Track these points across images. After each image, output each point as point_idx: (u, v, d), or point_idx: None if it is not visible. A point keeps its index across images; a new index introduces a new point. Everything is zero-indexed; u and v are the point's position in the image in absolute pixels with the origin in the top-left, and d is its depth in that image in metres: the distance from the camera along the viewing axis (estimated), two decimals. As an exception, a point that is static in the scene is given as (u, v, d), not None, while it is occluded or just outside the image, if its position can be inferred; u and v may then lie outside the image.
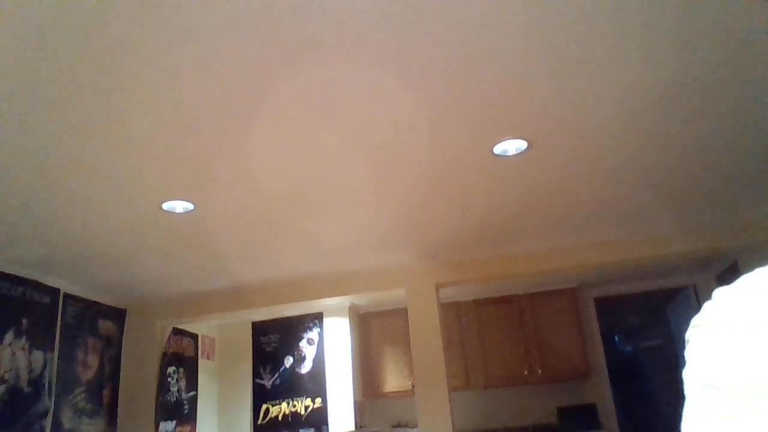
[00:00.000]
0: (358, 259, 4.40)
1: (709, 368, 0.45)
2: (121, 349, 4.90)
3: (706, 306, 0.49)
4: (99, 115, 2.23)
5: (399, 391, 5.77)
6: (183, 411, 5.28)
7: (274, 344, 5.88)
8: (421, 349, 4.56)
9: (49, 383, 4.01)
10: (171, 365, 5.17)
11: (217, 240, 3.72)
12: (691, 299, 5.99)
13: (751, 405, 0.41)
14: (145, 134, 2.40)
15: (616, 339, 7.87)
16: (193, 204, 3.14)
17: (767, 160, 3.17)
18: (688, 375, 0.48)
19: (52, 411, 4.01)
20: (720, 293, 0.49)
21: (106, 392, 4.64)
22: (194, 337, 5.67)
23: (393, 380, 5.82)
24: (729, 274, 5.33)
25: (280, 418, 5.64)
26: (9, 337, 3.71)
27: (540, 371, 5.63)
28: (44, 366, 3.98)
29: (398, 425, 5.93)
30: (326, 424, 5.48)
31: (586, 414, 5.61)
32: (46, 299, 4.09)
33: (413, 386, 4.93)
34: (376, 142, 2.64)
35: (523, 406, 5.88)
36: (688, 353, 0.49)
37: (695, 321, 0.49)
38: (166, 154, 2.58)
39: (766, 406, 0.40)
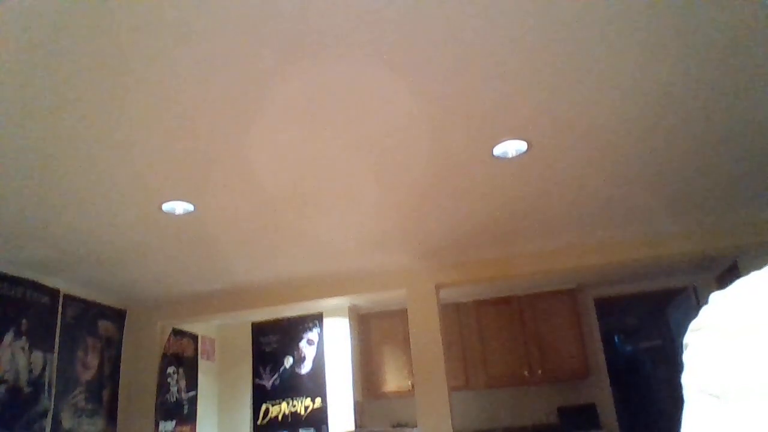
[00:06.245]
0: (358, 259, 4.40)
1: (707, 373, 0.45)
2: (120, 349, 4.90)
3: (703, 311, 0.49)
4: (99, 116, 2.23)
5: (399, 392, 5.77)
6: (183, 411, 5.28)
7: (273, 345, 5.88)
8: (420, 349, 4.56)
9: (49, 383, 4.01)
10: (171, 365, 5.17)
11: (217, 241, 3.72)
12: (691, 300, 5.99)
13: (749, 409, 0.41)
14: (145, 135, 2.40)
15: (616, 339, 7.87)
16: (193, 205, 3.14)
17: (767, 160, 3.17)
18: (686, 380, 0.48)
19: (51, 411, 4.01)
20: (716, 297, 0.49)
21: (105, 392, 4.64)
22: (194, 337, 5.68)
23: (393, 380, 5.82)
24: (729, 274, 5.33)
25: (279, 418, 5.64)
26: (9, 337, 3.71)
27: (540, 371, 5.63)
28: (44, 366, 3.98)
29: (398, 425, 5.93)
30: (326, 424, 5.48)
31: (586, 414, 5.60)
32: (46, 299, 4.09)
33: (413, 386, 4.93)
34: (376, 142, 2.64)
35: (523, 406, 5.88)
36: (687, 358, 0.49)
37: (693, 326, 0.49)
38: (166, 155, 2.58)
39: (765, 410, 0.40)
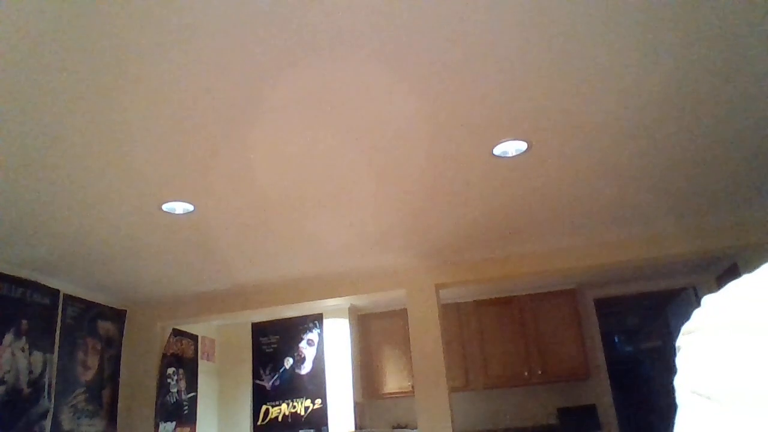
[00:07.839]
0: (358, 259, 4.40)
1: (699, 376, 0.45)
2: (120, 350, 4.89)
3: (696, 313, 0.49)
4: (99, 116, 2.23)
5: (399, 392, 5.77)
6: (183, 412, 5.28)
7: (273, 345, 5.88)
8: (421, 350, 4.56)
9: (49, 384, 4.01)
10: (171, 366, 5.17)
11: (217, 241, 3.72)
12: (691, 300, 5.99)
13: (741, 412, 0.41)
14: (145, 135, 2.40)
15: (616, 340, 7.88)
16: (193, 205, 3.14)
17: (766, 161, 3.17)
18: (678, 382, 0.48)
19: (51, 412, 4.01)
20: (709, 300, 0.48)
21: (105, 393, 4.63)
22: (194, 338, 5.67)
23: (393, 381, 5.82)
24: (729, 275, 5.32)
25: (279, 419, 5.64)
26: (9, 338, 3.70)
27: (540, 372, 5.63)
28: (44, 367, 3.97)
29: (398, 426, 5.92)
30: (326, 425, 5.47)
31: (586, 415, 5.60)
32: (46, 300, 4.09)
33: (413, 387, 4.93)
34: (376, 142, 2.64)
35: (523, 406, 5.88)
36: (679, 361, 0.48)
37: (685, 328, 0.49)
38: (166, 155, 2.58)
39: (758, 414, 0.40)
